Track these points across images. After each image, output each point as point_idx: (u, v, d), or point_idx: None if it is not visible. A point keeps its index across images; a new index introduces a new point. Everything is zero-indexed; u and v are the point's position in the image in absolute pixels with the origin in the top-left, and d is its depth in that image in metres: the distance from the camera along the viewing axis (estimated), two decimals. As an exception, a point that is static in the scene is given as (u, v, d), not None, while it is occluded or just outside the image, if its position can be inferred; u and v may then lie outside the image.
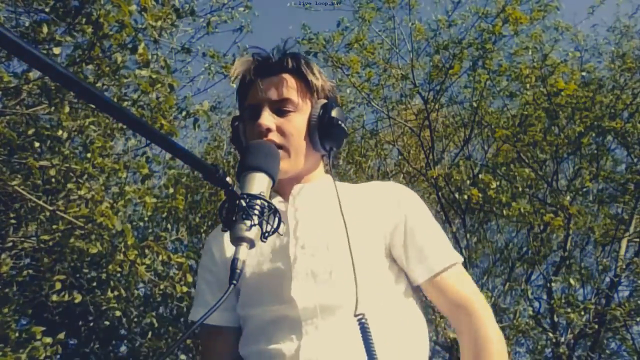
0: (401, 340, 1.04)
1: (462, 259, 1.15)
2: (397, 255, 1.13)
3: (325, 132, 1.11)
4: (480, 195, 4.92)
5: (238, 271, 0.89)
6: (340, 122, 1.12)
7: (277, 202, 1.15)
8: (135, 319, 5.46)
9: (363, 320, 0.95)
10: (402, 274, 1.14)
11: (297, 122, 1.11)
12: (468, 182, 5.51)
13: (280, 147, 1.09)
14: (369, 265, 1.06)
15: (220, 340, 1.17)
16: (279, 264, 1.07)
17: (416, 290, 1.15)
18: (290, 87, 1.13)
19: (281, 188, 1.17)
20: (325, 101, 1.15)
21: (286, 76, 1.13)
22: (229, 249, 1.12)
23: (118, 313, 4.38)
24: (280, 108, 1.11)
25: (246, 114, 1.16)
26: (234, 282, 0.89)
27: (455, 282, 1.10)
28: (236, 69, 1.17)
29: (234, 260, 0.90)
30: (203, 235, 6.88)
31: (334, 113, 1.12)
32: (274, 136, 1.09)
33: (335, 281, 1.04)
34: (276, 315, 1.06)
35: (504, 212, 5.12)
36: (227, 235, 1.03)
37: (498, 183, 5.13)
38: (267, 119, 1.09)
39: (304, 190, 1.15)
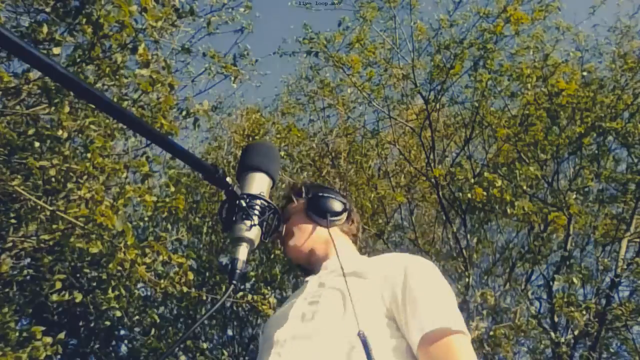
0: None
1: (458, 326, 1.08)
2: (398, 319, 1.12)
3: (310, 205, 1.39)
4: (484, 194, 4.91)
5: (238, 271, 0.89)
6: (321, 195, 1.39)
7: (310, 279, 1.33)
8: (136, 318, 5.46)
9: (362, 333, 1.01)
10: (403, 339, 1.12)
11: (295, 216, 1.41)
12: (472, 180, 5.50)
13: (288, 233, 1.37)
14: (363, 323, 1.08)
15: None
16: (284, 317, 1.21)
17: None
18: (291, 207, 1.46)
19: (315, 267, 1.37)
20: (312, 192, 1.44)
21: (289, 205, 1.47)
22: (271, 329, 1.25)
23: (119, 313, 4.38)
24: (288, 217, 1.43)
25: None
26: (234, 282, 0.89)
27: (442, 349, 1.04)
28: None
29: (234, 260, 0.90)
30: (204, 235, 6.88)
31: (315, 194, 1.41)
32: (284, 232, 1.38)
33: (315, 319, 1.14)
34: (260, 355, 1.21)
35: (508, 210, 5.10)
36: (275, 316, 1.29)
37: (500, 182, 5.13)
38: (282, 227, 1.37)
39: (328, 265, 1.34)
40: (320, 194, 1.40)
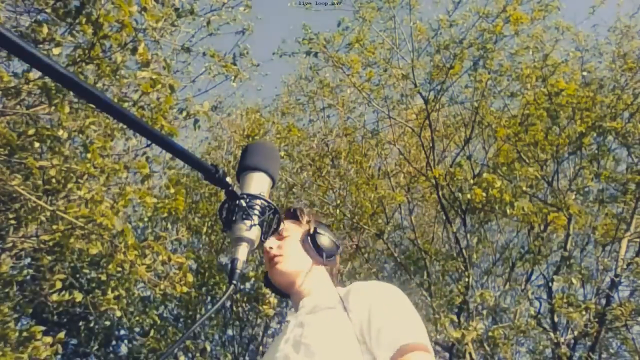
0: None
1: (421, 341, 1.17)
2: (368, 343, 1.18)
3: (313, 243, 1.40)
4: (483, 194, 4.91)
5: (238, 271, 0.89)
6: (321, 233, 1.42)
7: (291, 315, 1.39)
8: (136, 319, 5.47)
9: None
10: None
11: (291, 240, 1.42)
12: (472, 181, 5.50)
13: (278, 255, 1.38)
14: (331, 347, 1.19)
15: None
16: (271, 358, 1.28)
17: None
18: (292, 223, 1.46)
19: (294, 299, 1.42)
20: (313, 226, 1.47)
21: (290, 221, 1.48)
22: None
23: (118, 313, 4.38)
24: (281, 236, 1.42)
25: None
26: (234, 282, 0.89)
27: None
28: None
29: (233, 260, 0.90)
30: (203, 235, 6.87)
31: (317, 230, 1.44)
32: (274, 250, 1.39)
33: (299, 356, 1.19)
34: None
35: (508, 210, 5.10)
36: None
37: (500, 183, 5.12)
38: (270, 242, 1.40)
39: (305, 303, 1.38)
40: (323, 232, 1.44)
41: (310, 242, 1.42)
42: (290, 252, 1.41)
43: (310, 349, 1.19)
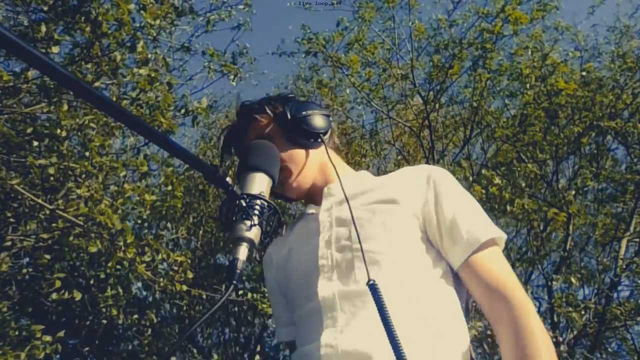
0: (430, 326, 0.99)
1: (503, 235, 1.08)
2: (432, 237, 1.09)
3: (295, 128, 1.17)
4: (483, 192, 4.91)
5: (238, 271, 0.89)
6: (296, 111, 1.17)
7: (310, 210, 1.20)
8: (136, 317, 5.46)
9: (372, 283, 0.91)
10: (441, 258, 1.08)
11: (277, 142, 1.15)
12: (471, 179, 5.49)
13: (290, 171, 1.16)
14: (398, 250, 1.04)
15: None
16: (310, 265, 1.10)
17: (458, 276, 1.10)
18: (254, 128, 1.22)
19: (314, 197, 1.22)
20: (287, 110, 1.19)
21: (249, 126, 1.23)
22: (282, 259, 1.19)
23: (114, 311, 4.37)
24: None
25: None
26: (234, 282, 0.89)
27: (489, 261, 1.04)
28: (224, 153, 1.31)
29: (234, 260, 0.89)
30: (201, 234, 6.87)
31: (286, 109, 1.18)
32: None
33: (356, 267, 1.03)
34: (306, 314, 1.08)
35: (507, 208, 5.09)
36: (278, 246, 1.16)
37: (499, 181, 5.12)
38: None
39: (331, 190, 1.19)
40: (305, 113, 1.17)
41: (298, 131, 1.17)
42: (289, 157, 1.16)
43: (373, 258, 1.02)
